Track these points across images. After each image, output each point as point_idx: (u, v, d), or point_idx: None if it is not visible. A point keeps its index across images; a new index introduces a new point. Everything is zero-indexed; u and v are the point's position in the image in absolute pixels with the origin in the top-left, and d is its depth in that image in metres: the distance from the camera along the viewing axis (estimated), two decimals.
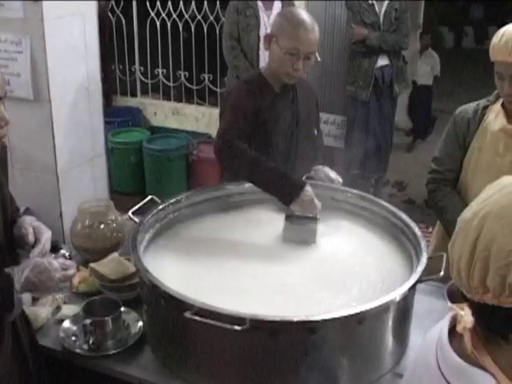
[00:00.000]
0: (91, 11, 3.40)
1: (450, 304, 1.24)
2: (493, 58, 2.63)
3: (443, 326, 1.28)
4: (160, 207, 2.60)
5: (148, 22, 6.58)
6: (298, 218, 2.58)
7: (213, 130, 6.18)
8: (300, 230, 2.58)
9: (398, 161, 6.58)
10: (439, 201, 2.89)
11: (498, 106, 2.79)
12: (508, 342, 1.16)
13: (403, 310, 2.14)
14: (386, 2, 5.63)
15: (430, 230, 4.64)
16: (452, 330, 1.25)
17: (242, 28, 5.19)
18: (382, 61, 5.71)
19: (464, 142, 2.86)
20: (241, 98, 2.86)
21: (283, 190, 2.61)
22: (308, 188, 2.59)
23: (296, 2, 5.44)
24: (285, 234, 2.60)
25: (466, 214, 1.21)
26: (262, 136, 2.88)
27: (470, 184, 2.84)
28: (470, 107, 2.88)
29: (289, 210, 2.60)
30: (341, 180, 2.96)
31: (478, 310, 1.18)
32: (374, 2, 5.62)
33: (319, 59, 2.86)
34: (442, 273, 2.14)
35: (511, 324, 1.14)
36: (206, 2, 6.25)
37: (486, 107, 2.84)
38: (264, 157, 2.70)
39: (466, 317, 1.20)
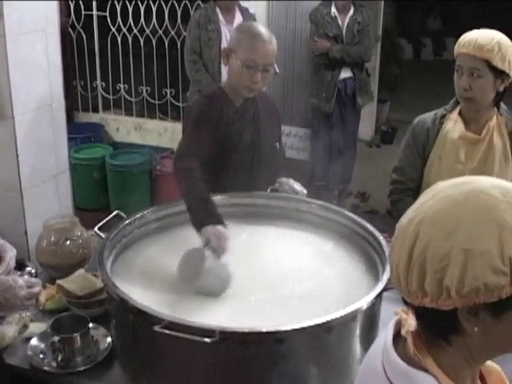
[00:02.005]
0: (53, 27, 3.39)
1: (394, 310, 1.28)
2: (456, 52, 2.71)
3: (388, 330, 1.29)
4: (126, 222, 2.59)
5: (109, 37, 6.57)
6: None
7: (176, 145, 6.11)
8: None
9: (360, 172, 6.64)
10: (402, 210, 2.91)
11: (455, 115, 2.87)
12: (450, 344, 1.18)
13: (370, 318, 2.16)
14: (348, 15, 5.72)
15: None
16: (398, 334, 1.26)
17: (204, 42, 5.22)
18: (345, 73, 5.79)
19: (424, 151, 2.92)
20: (201, 113, 2.87)
21: (199, 215, 2.51)
22: (225, 228, 2.47)
23: (257, 16, 5.50)
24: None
25: (403, 221, 1.24)
26: (224, 150, 2.89)
27: None
28: (428, 117, 2.95)
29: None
30: (305, 191, 2.98)
31: (419, 313, 1.21)
32: (337, 15, 5.70)
33: (278, 71, 2.88)
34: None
35: (451, 326, 1.16)
36: (166, 17, 6.26)
37: (443, 116, 2.90)
38: (203, 183, 2.62)
39: (410, 320, 1.23)
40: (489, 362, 1.30)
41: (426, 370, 1.18)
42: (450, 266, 1.10)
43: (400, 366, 1.20)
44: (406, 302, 1.23)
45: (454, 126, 2.86)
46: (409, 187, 2.97)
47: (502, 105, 2.87)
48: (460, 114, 2.87)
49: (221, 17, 5.27)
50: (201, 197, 2.58)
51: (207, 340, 1.85)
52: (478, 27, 2.76)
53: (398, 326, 1.28)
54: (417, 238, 1.16)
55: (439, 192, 1.21)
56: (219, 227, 2.44)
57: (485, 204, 1.13)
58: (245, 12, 5.41)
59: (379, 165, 7.26)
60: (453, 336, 1.18)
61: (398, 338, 1.26)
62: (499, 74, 2.69)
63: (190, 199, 2.59)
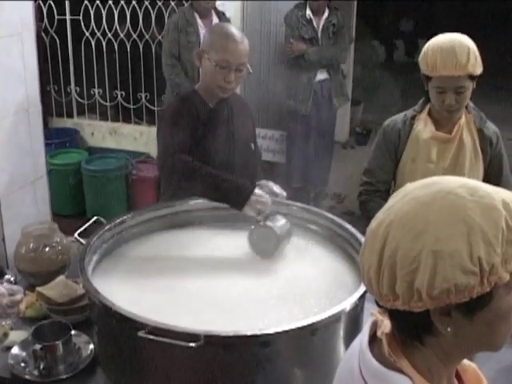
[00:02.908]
0: (29, 31, 3.37)
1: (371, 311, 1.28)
2: (434, 73, 2.71)
3: (364, 331, 1.30)
4: (106, 228, 2.57)
5: (83, 41, 6.52)
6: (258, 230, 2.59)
7: (151, 149, 6.17)
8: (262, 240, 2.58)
9: (336, 173, 6.67)
10: (371, 210, 2.93)
11: (424, 115, 2.89)
12: (424, 344, 1.19)
13: (354, 319, 2.16)
14: (323, 18, 5.75)
15: None
16: (374, 335, 1.27)
17: (183, 45, 5.22)
18: (321, 75, 5.82)
19: (395, 153, 2.94)
20: (176, 114, 2.87)
21: (232, 195, 2.61)
22: (257, 189, 2.61)
23: (232, 19, 5.51)
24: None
25: (372, 224, 1.24)
26: (199, 152, 2.88)
27: None
28: (397, 118, 2.97)
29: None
30: (285, 194, 2.98)
31: (392, 315, 1.22)
32: (312, 18, 5.73)
33: (251, 71, 2.90)
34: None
35: (424, 327, 1.17)
36: (141, 21, 6.24)
37: (413, 117, 2.93)
38: (208, 166, 2.70)
39: (386, 321, 1.24)
40: (465, 361, 1.31)
41: (401, 371, 1.18)
42: (420, 268, 1.11)
43: (375, 367, 1.21)
44: (379, 305, 1.24)
45: (424, 127, 2.89)
46: (378, 189, 2.99)
47: (470, 102, 2.90)
48: (429, 114, 2.90)
49: (199, 20, 5.28)
50: (219, 177, 2.64)
51: (192, 345, 1.84)
52: (449, 28, 2.78)
53: (375, 327, 1.29)
54: (386, 241, 1.17)
55: (407, 194, 1.21)
56: (255, 194, 2.58)
57: (452, 204, 1.13)
58: (221, 16, 5.42)
59: (354, 166, 7.27)
60: (426, 337, 1.18)
61: (374, 339, 1.27)
62: (475, 78, 2.74)
63: (212, 185, 2.64)
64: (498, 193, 1.16)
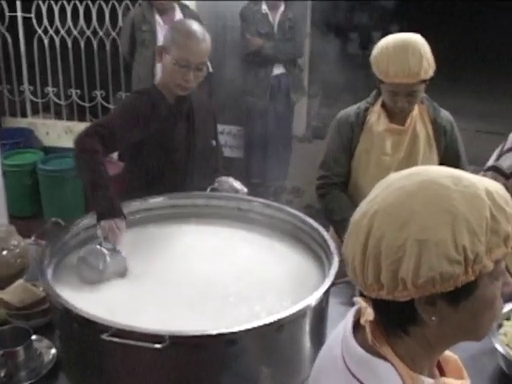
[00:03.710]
0: None
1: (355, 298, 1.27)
2: (386, 80, 2.71)
3: (348, 319, 1.30)
4: (65, 229, 2.53)
5: (35, 39, 6.40)
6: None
7: None
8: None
9: (294, 167, 6.67)
10: (329, 203, 2.97)
11: (377, 107, 2.90)
12: (408, 334, 1.20)
13: (319, 314, 2.16)
14: (279, 12, 5.74)
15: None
16: (357, 323, 1.27)
17: (139, 43, 5.17)
18: (278, 69, 5.82)
19: (350, 146, 2.95)
20: (131, 106, 2.85)
21: (102, 205, 2.50)
22: (123, 223, 2.50)
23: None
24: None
25: (356, 214, 1.24)
26: (158, 148, 2.87)
27: (363, 186, 2.93)
28: (351, 111, 2.98)
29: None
30: (245, 190, 2.98)
31: (376, 305, 1.22)
32: (268, 12, 5.72)
33: (211, 70, 2.88)
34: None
35: (409, 317, 1.17)
36: (94, 18, 6.15)
37: (366, 109, 2.93)
38: (105, 169, 2.60)
39: (369, 309, 1.24)
40: (447, 352, 1.32)
41: (384, 358, 1.19)
42: (405, 257, 1.12)
43: (359, 354, 1.21)
44: (363, 295, 1.24)
45: (377, 119, 2.90)
46: (335, 182, 3.00)
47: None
48: (382, 106, 2.91)
49: (158, 18, 5.22)
50: (103, 184, 2.55)
51: (157, 346, 1.81)
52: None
53: (358, 314, 1.29)
54: (370, 231, 1.17)
55: (392, 184, 1.21)
56: (116, 221, 2.46)
57: (437, 194, 1.14)
58: (185, 10, 5.37)
59: (312, 160, 7.27)
60: (410, 326, 1.19)
61: (357, 326, 1.27)
62: (427, 81, 2.76)
63: (92, 184, 2.56)
64: (481, 182, 1.17)
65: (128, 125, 2.74)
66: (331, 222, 2.96)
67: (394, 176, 1.24)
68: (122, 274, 2.41)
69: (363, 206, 1.24)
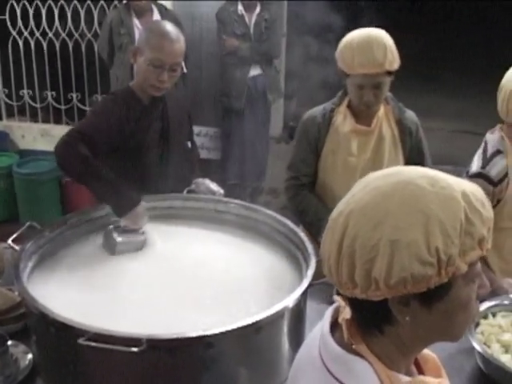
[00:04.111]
0: None
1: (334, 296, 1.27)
2: (351, 72, 2.73)
3: (326, 317, 1.31)
4: (41, 232, 2.51)
5: (10, 41, 6.33)
6: (124, 230, 2.59)
7: None
8: (129, 242, 2.59)
9: (271, 168, 6.68)
10: (299, 204, 2.99)
11: (343, 108, 2.92)
12: (382, 333, 1.20)
13: (297, 315, 2.16)
14: (255, 13, 5.74)
15: None
16: (335, 321, 1.28)
17: (117, 46, 5.16)
18: (255, 70, 5.82)
19: (316, 147, 2.95)
20: (106, 108, 2.83)
21: (118, 202, 2.60)
22: (142, 203, 2.61)
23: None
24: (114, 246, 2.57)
25: (334, 213, 1.24)
26: (132, 149, 2.85)
27: (330, 186, 2.95)
28: (317, 111, 2.98)
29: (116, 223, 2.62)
30: (222, 191, 2.98)
31: (352, 303, 1.22)
32: (244, 13, 5.71)
33: (185, 70, 2.88)
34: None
35: (383, 316, 1.18)
36: (69, 20, 6.11)
37: (332, 110, 2.94)
38: (104, 167, 2.65)
39: (347, 308, 1.24)
40: (425, 350, 1.32)
41: (361, 356, 1.19)
42: (378, 257, 1.12)
43: (336, 352, 1.22)
44: (339, 293, 1.24)
45: (343, 120, 2.91)
46: (304, 183, 3.02)
47: (388, 93, 2.93)
48: (348, 106, 2.92)
49: (135, 20, 5.19)
50: (108, 182, 2.60)
51: (134, 349, 1.80)
52: (379, 22, 2.80)
53: (336, 313, 1.29)
54: (346, 230, 1.17)
55: (369, 184, 1.21)
56: (136, 210, 2.58)
57: (412, 195, 1.14)
58: (163, 11, 5.35)
59: (288, 160, 7.29)
60: (385, 325, 1.19)
61: (335, 325, 1.28)
62: (393, 73, 2.78)
63: (98, 188, 2.62)
64: (458, 184, 1.17)
65: (105, 127, 2.72)
66: (304, 224, 2.97)
67: (372, 176, 1.24)
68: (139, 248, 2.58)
69: (340, 205, 1.23)
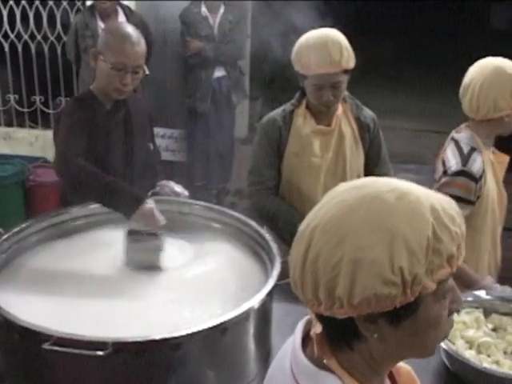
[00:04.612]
0: None
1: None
2: (309, 72, 2.75)
3: (297, 330, 1.28)
4: (4, 237, 2.48)
5: None
6: (140, 236, 2.52)
7: (48, 154, 5.99)
8: (144, 250, 2.51)
9: (236, 169, 6.68)
10: (268, 210, 2.97)
11: (303, 110, 2.93)
12: (352, 348, 1.17)
13: (263, 315, 2.17)
14: (219, 14, 5.74)
15: None
16: (308, 335, 1.25)
17: (82, 49, 5.13)
18: (219, 72, 5.81)
19: (279, 149, 2.95)
20: (72, 115, 2.81)
21: (122, 203, 2.55)
22: (149, 201, 2.55)
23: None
24: (128, 257, 2.52)
25: (302, 224, 1.20)
26: (95, 153, 2.83)
27: (297, 188, 2.96)
28: (277, 114, 2.99)
29: (130, 226, 2.55)
30: (187, 193, 2.97)
31: (320, 318, 1.19)
32: (208, 15, 5.71)
33: (147, 72, 2.87)
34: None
35: (351, 332, 1.14)
36: (32, 22, 6.05)
37: (292, 112, 2.95)
38: (103, 171, 2.64)
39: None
40: (400, 363, 1.30)
41: (332, 371, 1.17)
42: (340, 275, 1.09)
43: (306, 367, 1.19)
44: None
45: (304, 121, 2.92)
46: (269, 186, 3.00)
47: (346, 92, 2.95)
48: (307, 107, 2.94)
49: (100, 23, 5.16)
50: (112, 185, 2.57)
51: (100, 353, 1.80)
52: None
53: (309, 325, 1.27)
54: (310, 245, 1.14)
55: (337, 195, 1.17)
56: (145, 206, 2.49)
57: (378, 210, 1.10)
58: (129, 13, 5.33)
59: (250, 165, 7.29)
60: (354, 341, 1.16)
61: (307, 338, 1.25)
62: (349, 71, 2.81)
63: (105, 193, 2.57)
64: (428, 198, 1.13)
65: (78, 133, 2.72)
66: (275, 229, 2.91)
67: (342, 186, 1.20)
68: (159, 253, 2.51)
69: (309, 217, 1.20)
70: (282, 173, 3.00)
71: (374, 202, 1.11)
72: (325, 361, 1.18)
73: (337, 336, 1.18)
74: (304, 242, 1.15)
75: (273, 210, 2.95)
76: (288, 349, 1.28)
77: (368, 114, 3.03)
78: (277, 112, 2.99)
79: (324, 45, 2.71)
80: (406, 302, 1.08)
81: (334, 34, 2.77)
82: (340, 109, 2.94)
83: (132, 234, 2.53)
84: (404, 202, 1.11)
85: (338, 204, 1.14)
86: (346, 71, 2.77)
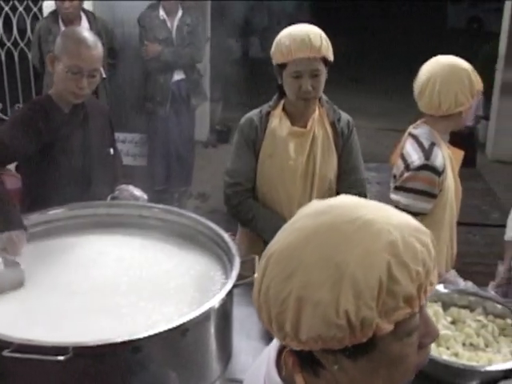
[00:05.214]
0: None
1: None
2: (289, 58, 2.74)
3: (273, 344, 1.25)
4: None
5: None
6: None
7: None
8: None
9: (199, 173, 6.69)
10: (246, 213, 2.95)
11: (279, 111, 2.92)
12: (318, 375, 1.11)
13: (224, 315, 2.18)
14: (177, 18, 5.75)
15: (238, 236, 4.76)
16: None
17: (45, 54, 5.09)
18: (178, 75, 5.83)
19: (255, 150, 2.95)
20: (24, 117, 2.80)
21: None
22: (23, 234, 2.52)
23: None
24: None
25: (267, 248, 1.14)
26: (53, 157, 2.83)
27: (274, 190, 2.95)
28: (254, 115, 2.97)
29: None
30: (146, 197, 2.96)
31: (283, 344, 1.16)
32: (166, 18, 5.71)
33: (104, 76, 2.86)
34: (255, 275, 2.20)
35: (313, 360, 1.09)
36: None
37: (268, 113, 2.94)
38: (2, 184, 2.63)
39: None
40: None
41: None
42: (288, 311, 1.04)
43: (275, 382, 1.16)
44: None
45: (280, 123, 2.91)
46: (247, 188, 2.97)
47: (323, 96, 2.96)
48: (284, 109, 2.94)
49: (63, 28, 5.13)
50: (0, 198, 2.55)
51: (61, 358, 1.79)
52: (304, 23, 2.85)
53: None
54: (264, 274, 1.09)
55: (298, 220, 1.11)
56: (15, 233, 2.47)
57: (330, 244, 1.03)
58: (92, 19, 5.31)
59: (217, 164, 7.32)
60: (318, 368, 1.10)
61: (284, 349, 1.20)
62: (327, 64, 2.82)
63: None
64: (394, 230, 1.04)
65: (21, 136, 2.70)
66: (255, 231, 2.93)
67: (309, 208, 1.13)
68: (19, 285, 2.36)
69: (273, 240, 1.13)
70: (257, 174, 2.98)
71: (329, 233, 1.04)
72: (293, 378, 1.13)
73: (302, 361, 1.12)
74: (261, 269, 1.11)
75: (253, 212, 2.93)
76: (263, 361, 1.24)
77: (344, 119, 3.00)
78: (254, 112, 2.98)
79: (305, 32, 2.73)
80: (357, 342, 1.02)
81: (315, 28, 2.80)
82: (316, 112, 2.92)
83: None
84: (361, 235, 1.03)
85: (295, 232, 1.08)
86: (325, 62, 2.78)
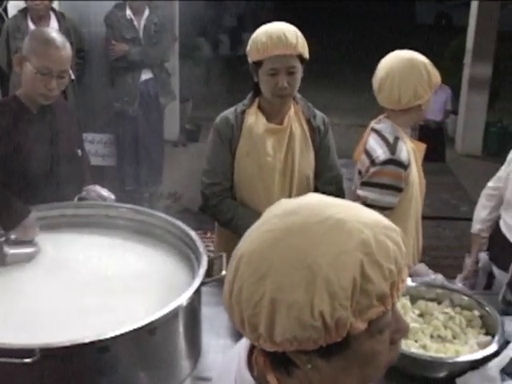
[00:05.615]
0: None
1: None
2: (265, 55, 2.74)
3: (243, 341, 1.23)
4: None
5: None
6: (15, 242, 2.54)
7: None
8: (20, 254, 2.53)
9: (169, 172, 6.67)
10: (226, 213, 2.94)
11: (254, 109, 2.92)
12: (291, 375, 1.11)
13: (192, 313, 2.19)
14: (144, 17, 5.73)
15: (209, 235, 4.77)
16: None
17: (13, 52, 5.06)
18: (146, 75, 5.82)
19: (231, 149, 2.94)
20: None
21: (6, 217, 2.58)
22: (32, 214, 2.59)
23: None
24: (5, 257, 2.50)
25: (236, 248, 1.13)
26: (19, 159, 2.80)
27: (249, 189, 2.95)
28: (229, 113, 2.96)
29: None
30: (113, 197, 2.94)
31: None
32: (133, 17, 5.69)
33: (73, 77, 2.85)
34: (223, 272, 2.21)
35: (286, 361, 1.08)
36: None
37: (243, 112, 2.93)
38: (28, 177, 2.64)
39: None
40: None
41: None
42: (261, 314, 1.03)
43: (247, 381, 1.15)
44: None
45: (255, 121, 2.90)
46: (226, 187, 2.96)
47: (297, 94, 2.97)
48: (259, 107, 2.94)
49: (32, 26, 5.09)
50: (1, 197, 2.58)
51: (28, 360, 1.78)
52: (273, 22, 2.86)
53: None
54: (236, 276, 1.08)
55: (268, 220, 1.10)
56: (25, 222, 2.55)
57: (301, 246, 1.02)
58: (61, 19, 5.27)
59: (187, 163, 7.33)
60: (291, 368, 1.10)
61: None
62: (303, 62, 2.83)
63: None
64: (365, 229, 1.04)
65: None
66: (236, 230, 2.88)
67: (273, 210, 1.12)
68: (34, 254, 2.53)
69: (243, 238, 1.12)
70: (234, 173, 2.97)
71: (300, 234, 1.04)
72: (265, 377, 1.13)
73: (274, 361, 1.12)
74: (232, 270, 1.09)
75: (231, 212, 2.92)
76: (234, 357, 1.23)
77: (319, 116, 3.02)
78: (229, 111, 2.96)
79: (281, 30, 2.74)
80: (332, 341, 1.02)
81: (290, 26, 2.81)
82: (292, 109, 2.93)
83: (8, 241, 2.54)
84: (332, 234, 1.03)
85: (265, 234, 1.07)
86: (301, 59, 2.78)
